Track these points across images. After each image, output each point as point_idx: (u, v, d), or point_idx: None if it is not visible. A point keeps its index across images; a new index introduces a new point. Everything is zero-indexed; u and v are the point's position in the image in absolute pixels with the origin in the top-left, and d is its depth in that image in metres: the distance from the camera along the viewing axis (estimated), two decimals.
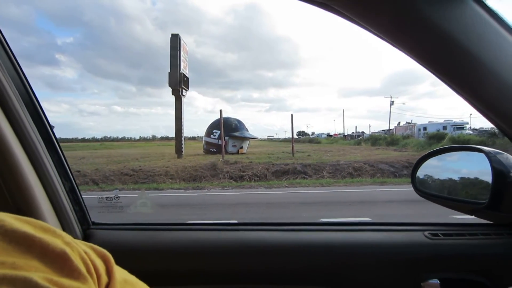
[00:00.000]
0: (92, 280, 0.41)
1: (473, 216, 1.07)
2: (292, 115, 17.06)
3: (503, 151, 1.08)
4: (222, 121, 16.48)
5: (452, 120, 38.54)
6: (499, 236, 1.03)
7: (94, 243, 0.49)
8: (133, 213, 1.38)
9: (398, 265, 1.00)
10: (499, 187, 1.00)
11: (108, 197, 1.33)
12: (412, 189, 1.23)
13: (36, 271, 0.37)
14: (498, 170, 1.01)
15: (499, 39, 0.64)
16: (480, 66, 0.66)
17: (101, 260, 0.46)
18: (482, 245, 1.01)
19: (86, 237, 1.10)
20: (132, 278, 0.52)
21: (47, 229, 0.43)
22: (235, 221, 1.15)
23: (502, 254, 0.99)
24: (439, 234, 1.06)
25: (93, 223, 1.20)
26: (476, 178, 1.17)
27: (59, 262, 0.39)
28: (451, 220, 1.17)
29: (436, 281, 0.97)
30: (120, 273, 0.49)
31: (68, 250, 0.41)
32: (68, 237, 0.44)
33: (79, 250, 0.43)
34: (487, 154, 1.05)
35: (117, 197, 1.36)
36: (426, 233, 1.06)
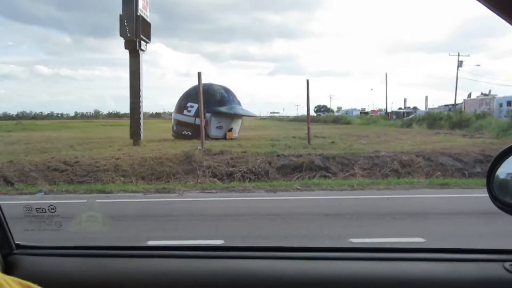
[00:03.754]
0: None
1: None
2: (308, 81, 16.91)
3: None
4: (201, 89, 16.43)
5: None
6: None
7: (19, 275, 0.51)
8: (77, 231, 1.41)
9: None
10: None
11: (39, 208, 1.35)
12: (488, 196, 1.25)
13: None
14: None
15: None
16: None
17: None
18: None
19: (8, 266, 1.13)
20: None
21: None
22: (221, 244, 1.17)
23: None
24: None
25: (18, 246, 1.22)
26: None
27: None
28: None
29: None
30: None
31: None
32: None
33: None
34: None
35: (52, 208, 1.38)
36: (507, 264, 1.10)
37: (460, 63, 51.82)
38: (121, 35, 17.77)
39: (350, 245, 5.22)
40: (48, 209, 1.45)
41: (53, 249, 1.19)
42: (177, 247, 1.17)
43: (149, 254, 1.16)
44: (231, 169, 11.90)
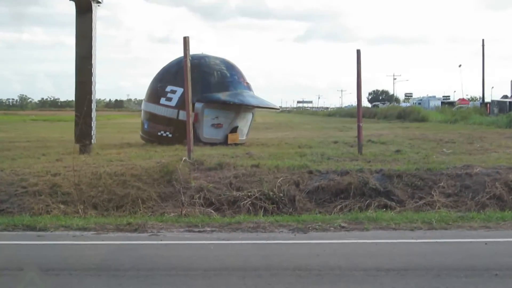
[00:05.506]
0: None
1: None
2: (359, 52, 16.86)
3: None
4: (189, 64, 16.40)
5: None
6: None
7: None
8: None
9: None
10: None
11: None
12: None
13: None
14: None
15: None
16: None
17: None
18: None
19: None
20: None
21: None
22: None
23: None
24: None
25: None
26: None
27: None
28: None
29: None
30: None
31: None
32: None
33: None
34: None
35: None
36: None
37: None
38: None
39: None
40: None
41: None
42: None
43: None
44: (235, 193, 11.91)
